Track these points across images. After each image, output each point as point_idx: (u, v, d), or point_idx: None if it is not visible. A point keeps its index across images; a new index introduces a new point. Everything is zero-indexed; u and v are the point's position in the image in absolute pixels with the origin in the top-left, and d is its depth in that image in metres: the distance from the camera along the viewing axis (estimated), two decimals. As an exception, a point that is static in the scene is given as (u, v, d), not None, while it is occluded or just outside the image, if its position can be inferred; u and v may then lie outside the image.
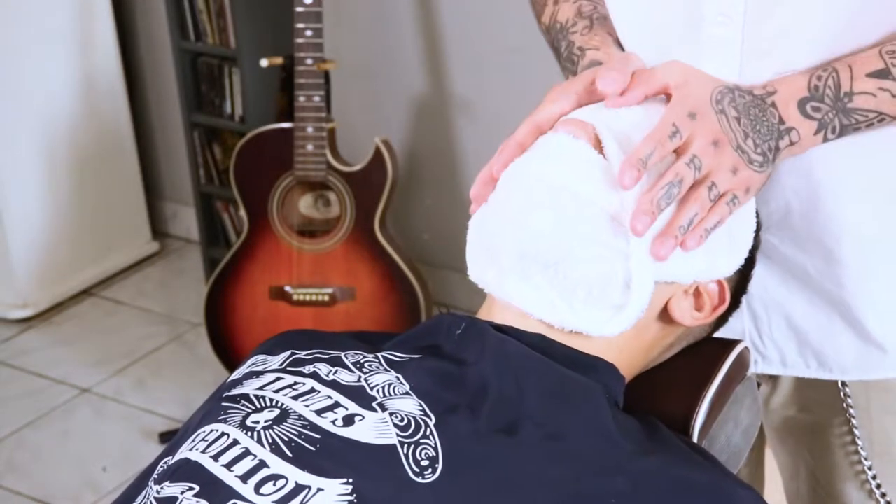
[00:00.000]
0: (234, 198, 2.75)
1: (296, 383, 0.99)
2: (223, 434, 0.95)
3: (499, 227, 1.02)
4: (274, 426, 0.94)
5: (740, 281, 1.11)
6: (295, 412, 0.95)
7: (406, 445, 0.92)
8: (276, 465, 0.91)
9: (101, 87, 3.21)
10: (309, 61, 2.54)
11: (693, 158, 0.98)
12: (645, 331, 1.04)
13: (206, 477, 0.92)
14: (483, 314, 1.05)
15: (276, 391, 0.98)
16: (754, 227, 1.09)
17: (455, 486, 0.90)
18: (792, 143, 1.04)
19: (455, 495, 0.90)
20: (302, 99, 2.56)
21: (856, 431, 1.24)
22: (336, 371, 0.99)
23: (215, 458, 0.93)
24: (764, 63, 1.08)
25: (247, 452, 0.93)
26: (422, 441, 0.92)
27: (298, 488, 0.89)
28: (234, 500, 0.90)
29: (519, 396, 0.96)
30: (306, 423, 0.94)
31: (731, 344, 1.10)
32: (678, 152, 0.99)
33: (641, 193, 0.97)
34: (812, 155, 1.09)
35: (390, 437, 0.92)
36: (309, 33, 2.52)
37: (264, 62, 2.70)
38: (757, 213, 1.10)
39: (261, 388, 0.99)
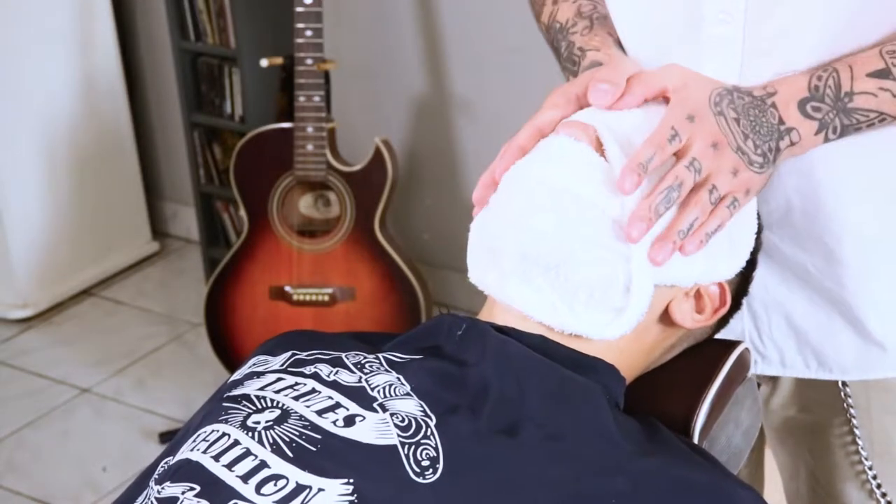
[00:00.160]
0: (234, 198, 2.75)
1: (297, 384, 0.99)
2: (224, 434, 0.95)
3: (500, 229, 1.02)
4: (275, 426, 0.94)
5: (741, 283, 1.11)
6: (296, 412, 0.95)
7: (407, 446, 0.92)
8: (277, 465, 0.91)
9: (101, 87, 3.21)
10: (309, 61, 2.54)
11: (693, 161, 0.98)
12: (646, 333, 1.04)
13: (207, 477, 0.92)
14: (484, 315, 1.05)
15: (277, 392, 0.98)
16: (755, 230, 1.09)
17: (456, 487, 0.90)
18: (792, 144, 1.04)
19: (456, 495, 0.90)
20: (302, 99, 2.56)
21: (856, 431, 1.24)
22: (337, 372, 0.99)
23: (216, 458, 0.93)
24: (765, 62, 1.08)
25: (248, 453, 0.93)
26: (422, 441, 0.92)
27: (299, 488, 0.89)
28: (234, 501, 0.90)
29: (520, 397, 0.96)
30: (307, 423, 0.94)
31: (732, 345, 1.10)
32: (678, 155, 0.99)
33: (641, 198, 0.97)
34: (813, 155, 1.09)
35: (391, 437, 0.92)
36: (309, 33, 2.53)
37: (264, 62, 2.70)
38: (758, 214, 1.10)
39: (262, 389, 0.99)
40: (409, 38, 2.94)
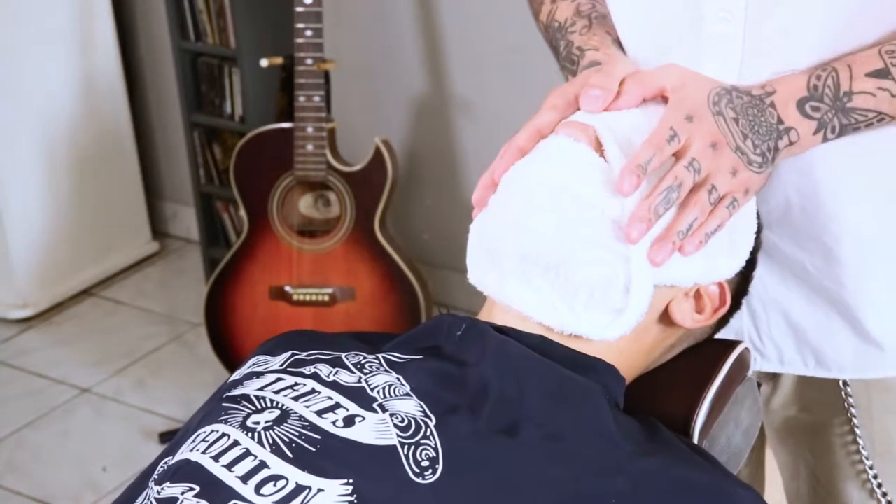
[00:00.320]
0: (234, 198, 2.75)
1: (296, 384, 0.99)
2: (224, 435, 0.95)
3: (500, 230, 1.02)
4: (274, 427, 0.94)
5: (741, 283, 1.11)
6: (295, 413, 0.95)
7: (406, 446, 0.92)
8: (277, 465, 0.91)
9: (101, 87, 3.21)
10: (309, 61, 2.54)
11: (692, 161, 0.98)
12: (645, 333, 1.04)
13: (207, 477, 0.92)
14: (483, 315, 1.05)
15: (277, 392, 0.98)
16: (755, 229, 1.09)
17: (455, 487, 0.90)
18: (791, 143, 1.04)
19: (455, 496, 0.90)
20: (302, 99, 2.56)
21: (857, 431, 1.24)
22: (337, 372, 0.99)
23: (216, 458, 0.93)
24: (765, 61, 1.08)
25: (247, 453, 0.93)
26: (422, 442, 0.92)
27: (299, 489, 0.89)
28: (234, 501, 0.90)
29: (519, 397, 0.96)
30: (307, 423, 0.94)
31: (732, 345, 1.10)
32: (677, 156, 0.99)
33: (640, 198, 0.97)
34: (812, 154, 1.08)
35: (391, 437, 0.92)
36: (309, 33, 2.53)
37: (264, 62, 2.70)
38: (758, 214, 1.10)
39: (261, 389, 0.99)
40: (409, 38, 2.94)
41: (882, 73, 1.04)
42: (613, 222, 0.98)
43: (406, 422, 0.93)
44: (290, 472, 0.91)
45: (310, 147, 2.59)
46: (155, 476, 0.97)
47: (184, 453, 0.96)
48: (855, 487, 1.27)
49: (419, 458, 0.91)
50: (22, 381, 2.93)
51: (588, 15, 1.20)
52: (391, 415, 0.94)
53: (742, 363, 1.10)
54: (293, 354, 1.04)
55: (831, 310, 1.19)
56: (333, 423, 0.94)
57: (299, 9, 2.51)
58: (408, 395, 0.96)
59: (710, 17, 1.09)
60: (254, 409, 0.97)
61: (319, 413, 0.95)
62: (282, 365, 1.03)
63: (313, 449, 0.92)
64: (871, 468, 1.25)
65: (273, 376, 1.01)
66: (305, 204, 2.70)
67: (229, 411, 0.98)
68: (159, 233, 3.56)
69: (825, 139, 1.05)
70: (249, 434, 0.94)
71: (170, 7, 2.95)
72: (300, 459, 0.91)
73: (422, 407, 0.95)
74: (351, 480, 0.89)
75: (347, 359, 1.01)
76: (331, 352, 1.03)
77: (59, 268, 3.22)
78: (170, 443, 1.02)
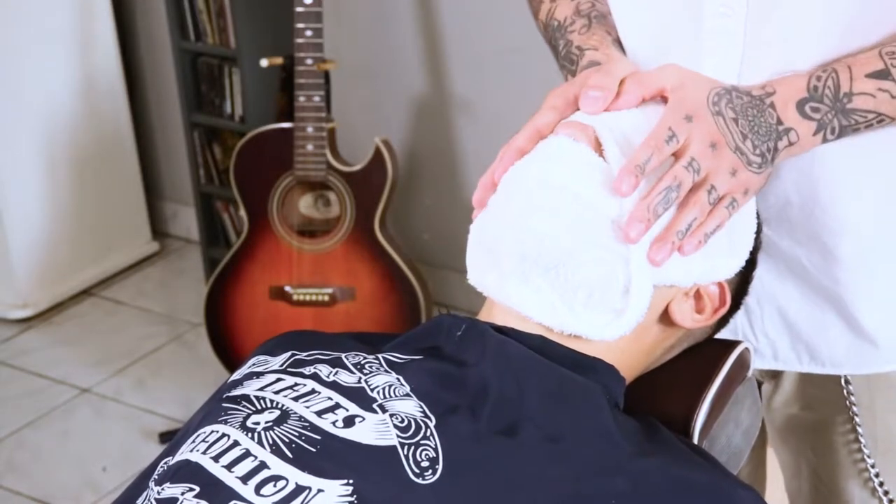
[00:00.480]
0: (234, 198, 2.75)
1: (296, 384, 0.99)
2: (224, 435, 0.95)
3: (499, 230, 1.02)
4: (274, 427, 0.94)
5: (741, 283, 1.11)
6: (295, 413, 0.95)
7: (406, 446, 0.92)
8: (277, 466, 0.91)
9: (101, 87, 3.21)
10: (309, 61, 2.54)
11: (691, 161, 0.98)
12: (645, 333, 1.04)
13: (207, 478, 0.92)
14: (483, 316, 1.05)
15: (277, 392, 0.98)
16: (754, 229, 1.09)
17: (455, 487, 0.90)
18: (791, 144, 1.04)
19: (455, 496, 0.90)
20: (302, 99, 2.56)
21: (859, 429, 1.24)
22: (336, 372, 0.99)
23: (216, 458, 0.93)
24: (766, 57, 1.08)
25: (247, 453, 0.93)
26: (422, 442, 0.92)
27: (299, 489, 0.89)
28: (234, 502, 0.90)
29: (519, 398, 0.96)
30: (307, 424, 0.94)
31: (732, 344, 1.10)
32: (676, 156, 0.99)
33: (639, 198, 0.97)
34: (811, 153, 1.08)
35: (391, 438, 0.92)
36: (309, 33, 2.52)
37: (264, 62, 2.70)
38: (757, 214, 1.10)
39: (261, 389, 0.99)
40: (409, 38, 2.93)
41: (882, 75, 1.04)
42: (613, 222, 0.98)
43: (406, 422, 0.93)
44: (290, 473, 0.90)
45: (310, 147, 2.59)
46: (155, 476, 0.97)
47: (184, 454, 0.96)
48: (857, 486, 1.27)
49: (419, 459, 0.91)
50: (22, 381, 2.93)
51: (588, 14, 1.20)
52: (391, 415, 0.94)
53: (742, 363, 1.10)
54: (293, 355, 1.04)
55: (827, 306, 1.19)
56: (333, 423, 0.94)
57: (299, 9, 2.51)
58: (408, 395, 0.96)
59: (711, 11, 1.09)
60: (254, 409, 0.97)
61: (319, 413, 0.95)
62: (282, 365, 1.02)
63: (313, 449, 0.92)
64: (872, 466, 1.25)
65: (273, 376, 1.01)
66: (305, 204, 2.70)
67: (229, 411, 0.98)
68: (159, 233, 3.56)
69: (825, 140, 1.05)
70: (249, 434, 0.94)
71: (170, 7, 2.95)
72: (300, 460, 0.91)
73: (422, 407, 0.95)
74: (351, 481, 0.89)
75: (347, 359, 1.01)
76: (331, 352, 1.03)
77: (59, 268, 3.23)
78: (170, 443, 1.02)
